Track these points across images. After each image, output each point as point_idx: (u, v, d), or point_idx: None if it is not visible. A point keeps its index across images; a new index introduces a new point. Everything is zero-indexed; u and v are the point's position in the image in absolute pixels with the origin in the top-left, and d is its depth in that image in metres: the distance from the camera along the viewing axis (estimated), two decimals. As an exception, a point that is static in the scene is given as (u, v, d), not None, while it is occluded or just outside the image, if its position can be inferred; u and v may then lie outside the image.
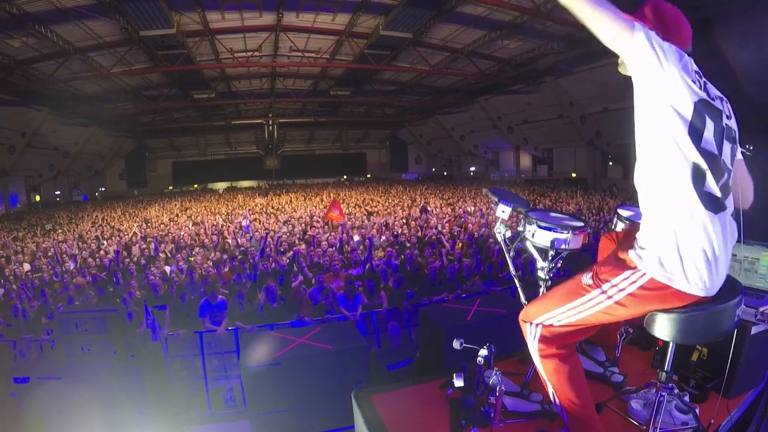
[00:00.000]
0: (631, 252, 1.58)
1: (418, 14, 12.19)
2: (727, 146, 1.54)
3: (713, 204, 1.46)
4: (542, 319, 1.74)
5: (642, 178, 1.54)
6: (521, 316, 1.85)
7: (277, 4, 11.84)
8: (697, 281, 1.48)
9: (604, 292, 1.59)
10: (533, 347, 1.79)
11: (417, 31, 13.18)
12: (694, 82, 1.45)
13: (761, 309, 2.13)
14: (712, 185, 1.46)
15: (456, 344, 2.15)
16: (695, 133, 1.44)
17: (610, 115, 16.49)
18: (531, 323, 1.78)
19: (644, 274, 1.52)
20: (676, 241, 1.47)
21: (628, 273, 1.55)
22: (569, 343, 1.76)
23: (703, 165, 1.45)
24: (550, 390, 1.84)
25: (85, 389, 3.20)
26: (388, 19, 12.26)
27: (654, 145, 1.48)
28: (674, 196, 1.47)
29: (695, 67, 1.50)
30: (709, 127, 1.46)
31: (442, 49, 15.04)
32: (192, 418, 4.47)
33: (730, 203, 1.55)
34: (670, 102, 1.42)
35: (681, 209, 1.47)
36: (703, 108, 1.45)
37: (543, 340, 1.74)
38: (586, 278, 1.65)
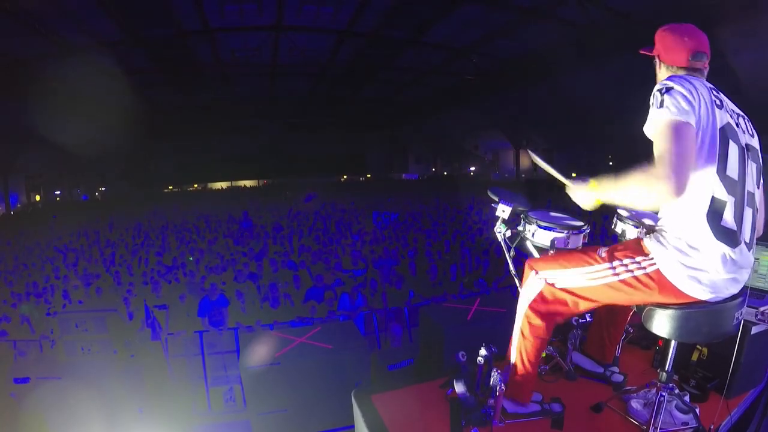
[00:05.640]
0: (647, 239, 1.61)
1: (419, 14, 12.17)
2: (751, 167, 1.53)
3: (729, 239, 1.47)
4: (547, 274, 1.77)
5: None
6: (529, 261, 1.88)
7: (277, 3, 11.83)
8: (700, 288, 1.50)
9: (612, 268, 1.63)
10: (528, 295, 1.82)
11: (417, 31, 13.15)
12: (715, 105, 1.43)
13: (761, 309, 2.13)
14: (728, 219, 1.46)
15: (460, 357, 2.15)
16: (722, 161, 1.43)
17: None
18: (537, 272, 1.80)
19: (654, 263, 1.55)
20: (686, 253, 1.49)
21: (640, 258, 1.59)
22: (559, 313, 1.79)
23: (724, 197, 1.44)
24: (513, 348, 1.89)
25: (85, 389, 3.19)
26: (389, 19, 12.23)
27: None
28: (689, 224, 1.49)
29: (710, 85, 1.49)
30: (733, 150, 1.45)
31: (442, 48, 15.02)
32: (192, 418, 4.47)
33: (746, 234, 1.53)
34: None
35: (694, 235, 1.48)
36: (727, 132, 1.44)
37: (541, 296, 1.78)
38: (602, 251, 1.69)
